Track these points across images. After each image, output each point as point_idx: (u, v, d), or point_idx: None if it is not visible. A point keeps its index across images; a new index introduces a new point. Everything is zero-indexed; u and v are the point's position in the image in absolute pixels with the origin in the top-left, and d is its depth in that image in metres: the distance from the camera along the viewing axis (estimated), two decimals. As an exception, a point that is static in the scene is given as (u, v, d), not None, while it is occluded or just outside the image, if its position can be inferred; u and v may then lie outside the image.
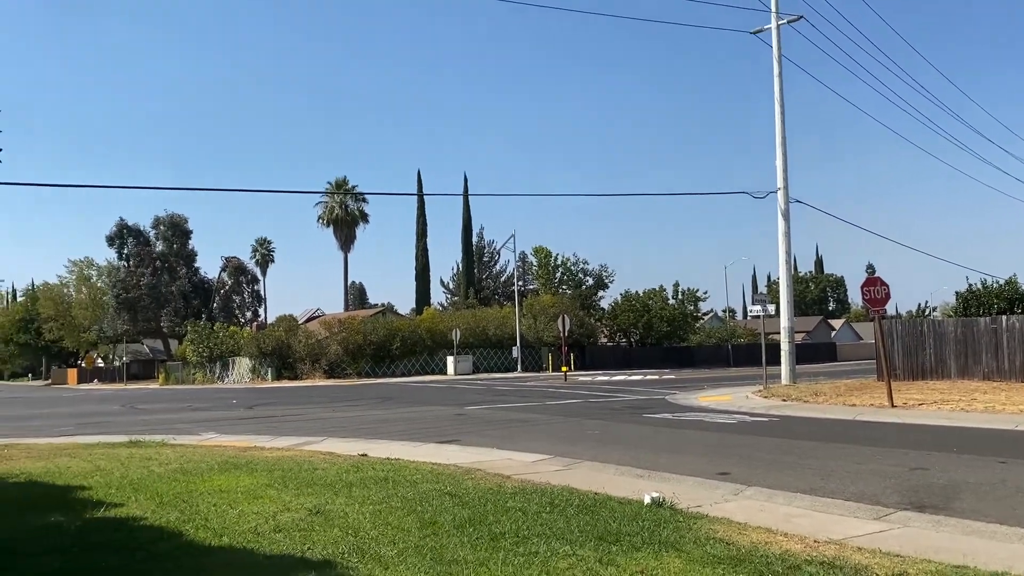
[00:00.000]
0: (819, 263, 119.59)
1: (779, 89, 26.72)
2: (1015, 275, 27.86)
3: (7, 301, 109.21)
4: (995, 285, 27.47)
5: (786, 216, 26.49)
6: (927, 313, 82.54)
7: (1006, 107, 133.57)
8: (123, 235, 72.59)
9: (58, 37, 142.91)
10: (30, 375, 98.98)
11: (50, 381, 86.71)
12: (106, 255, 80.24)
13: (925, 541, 5.85)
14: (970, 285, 28.15)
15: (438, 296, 75.12)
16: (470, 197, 70.58)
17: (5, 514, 7.11)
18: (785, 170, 26.65)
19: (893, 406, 16.85)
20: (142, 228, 73.58)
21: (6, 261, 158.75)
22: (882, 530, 6.25)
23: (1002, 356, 23.09)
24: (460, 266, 73.70)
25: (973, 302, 27.24)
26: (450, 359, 50.46)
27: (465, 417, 18.53)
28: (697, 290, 65.84)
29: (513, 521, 6.32)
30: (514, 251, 59.70)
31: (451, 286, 76.16)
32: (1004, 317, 23.81)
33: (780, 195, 26.59)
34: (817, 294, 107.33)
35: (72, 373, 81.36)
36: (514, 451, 11.45)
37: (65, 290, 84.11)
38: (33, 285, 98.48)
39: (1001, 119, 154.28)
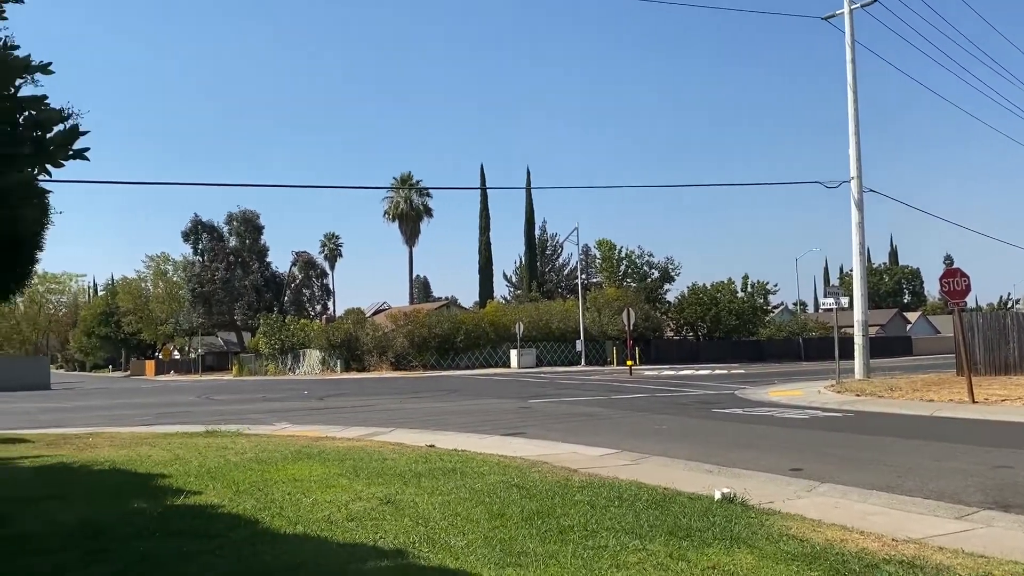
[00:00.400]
0: (894, 254, 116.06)
1: (852, 75, 25.94)
2: None
3: (89, 295, 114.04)
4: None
5: (860, 206, 25.75)
6: (1010, 305, 79.39)
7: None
8: (198, 231, 74.81)
9: (131, 39, 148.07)
10: (110, 367, 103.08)
11: (129, 372, 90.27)
12: (182, 250, 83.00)
13: (1011, 542, 5.63)
14: (1057, 276, 26.96)
15: (501, 289, 75.58)
16: (532, 190, 70.73)
17: (93, 500, 7.41)
18: (859, 159, 25.91)
19: (974, 402, 16.25)
20: (216, 224, 75.73)
21: (88, 256, 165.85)
22: (964, 529, 6.04)
23: (1092, 350, 22.06)
24: (523, 259, 73.89)
25: (1060, 294, 26.08)
26: (513, 352, 50.57)
27: (530, 410, 18.56)
28: (767, 283, 64.51)
29: (581, 515, 6.30)
30: (577, 244, 59.61)
31: (514, 279, 76.48)
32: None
33: (853, 184, 25.85)
34: (892, 286, 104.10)
35: (150, 365, 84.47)
36: (580, 445, 11.42)
37: (143, 284, 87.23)
38: (113, 280, 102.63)
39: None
